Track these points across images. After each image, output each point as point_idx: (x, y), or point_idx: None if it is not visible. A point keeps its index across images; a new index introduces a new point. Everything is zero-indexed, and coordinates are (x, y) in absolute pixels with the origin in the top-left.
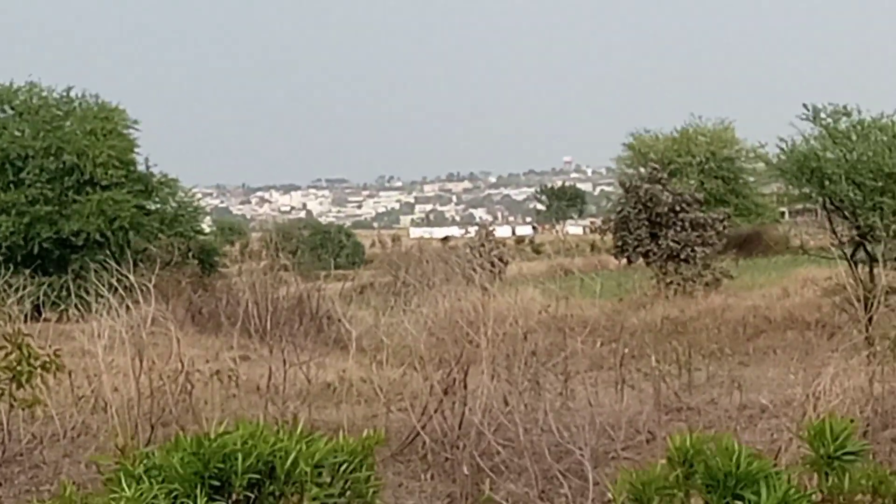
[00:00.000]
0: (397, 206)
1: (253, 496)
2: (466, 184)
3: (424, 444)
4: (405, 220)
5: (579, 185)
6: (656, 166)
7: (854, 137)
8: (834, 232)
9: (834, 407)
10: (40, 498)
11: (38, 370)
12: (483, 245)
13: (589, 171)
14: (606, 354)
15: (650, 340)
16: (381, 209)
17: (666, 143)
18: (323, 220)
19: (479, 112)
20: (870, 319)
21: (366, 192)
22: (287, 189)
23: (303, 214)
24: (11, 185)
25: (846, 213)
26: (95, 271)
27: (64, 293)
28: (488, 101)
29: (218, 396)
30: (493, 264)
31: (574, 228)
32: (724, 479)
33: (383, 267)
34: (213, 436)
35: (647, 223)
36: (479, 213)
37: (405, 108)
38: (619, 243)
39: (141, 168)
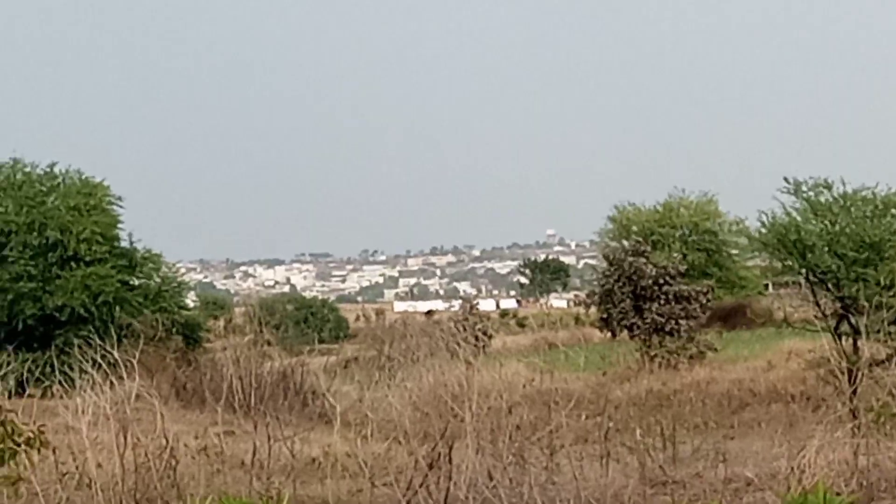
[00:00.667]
0: (381, 280)
1: None
2: (450, 257)
3: None
4: (389, 293)
5: (563, 258)
6: (640, 239)
7: (836, 210)
8: (817, 304)
9: (819, 480)
10: None
11: (23, 447)
12: (467, 319)
13: (572, 245)
14: (591, 428)
15: (635, 414)
16: (365, 283)
17: (649, 216)
18: (307, 294)
19: (462, 186)
20: (854, 392)
21: (349, 267)
22: (271, 263)
23: (286, 289)
24: None
25: (829, 285)
26: (79, 347)
27: (48, 369)
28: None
29: (203, 472)
30: (477, 338)
31: (558, 302)
32: None
33: (367, 341)
34: None
35: (631, 296)
36: (463, 287)
37: (388, 182)
38: (604, 316)
39: (124, 243)
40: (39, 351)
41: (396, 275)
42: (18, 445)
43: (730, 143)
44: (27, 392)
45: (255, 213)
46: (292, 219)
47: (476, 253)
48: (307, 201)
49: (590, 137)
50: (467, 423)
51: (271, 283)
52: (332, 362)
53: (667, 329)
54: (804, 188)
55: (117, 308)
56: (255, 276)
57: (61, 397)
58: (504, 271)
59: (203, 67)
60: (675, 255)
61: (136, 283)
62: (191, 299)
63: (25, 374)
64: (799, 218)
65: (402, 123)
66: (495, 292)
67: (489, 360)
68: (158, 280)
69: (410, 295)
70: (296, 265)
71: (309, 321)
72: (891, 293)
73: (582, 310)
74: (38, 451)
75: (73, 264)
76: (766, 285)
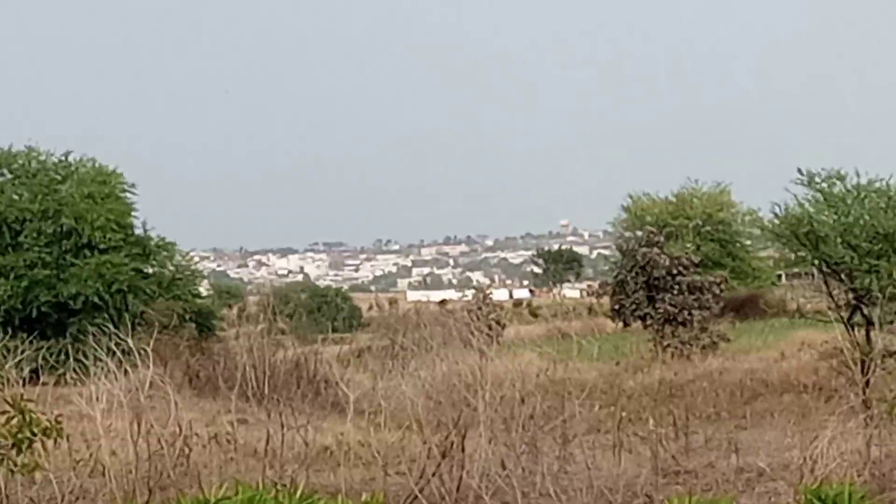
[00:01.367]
0: (394, 269)
1: None
2: (463, 247)
3: None
4: (402, 283)
5: (576, 249)
6: (653, 230)
7: (849, 201)
8: (830, 295)
9: (831, 470)
10: None
11: (39, 437)
12: (480, 308)
13: (586, 235)
14: (604, 418)
15: (647, 404)
16: (379, 272)
17: (662, 206)
18: (320, 283)
19: (475, 176)
20: (867, 383)
21: (363, 256)
22: (284, 252)
23: (300, 278)
24: (9, 249)
25: (842, 276)
26: (93, 335)
27: (62, 357)
28: (485, 165)
29: (216, 460)
30: (490, 328)
31: (571, 292)
32: None
33: (381, 330)
34: (212, 500)
35: (644, 286)
36: (477, 277)
37: (402, 172)
38: (617, 306)
39: (139, 231)
40: (54, 338)
41: (410, 264)
42: (35, 435)
43: (744, 133)
44: (41, 380)
45: (269, 203)
46: (306, 208)
47: (489, 243)
48: (321, 190)
49: (603, 128)
50: (480, 413)
51: (284, 272)
52: (345, 351)
53: (679, 319)
54: (817, 179)
55: (131, 296)
56: (268, 265)
57: (75, 385)
58: (517, 261)
59: (218, 55)
60: (689, 245)
61: (150, 271)
62: (204, 288)
63: (40, 361)
64: (812, 209)
65: (416, 112)
66: (508, 282)
67: (502, 350)
68: (172, 268)
69: (424, 284)
70: (309, 254)
71: (322, 310)
72: None
73: (595, 300)
74: (55, 440)
75: (87, 252)
76: (780, 276)
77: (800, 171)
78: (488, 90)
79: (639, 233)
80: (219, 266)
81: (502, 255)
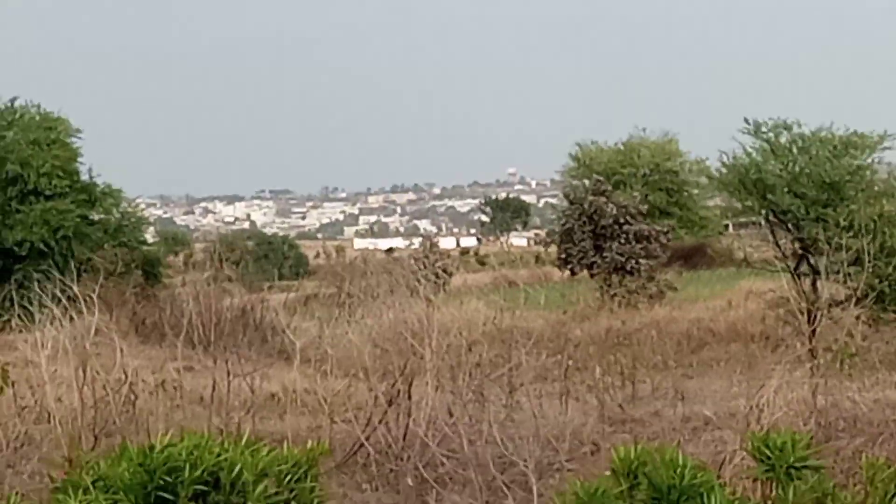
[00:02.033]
0: (342, 217)
1: None
2: (411, 195)
3: (369, 455)
4: (349, 231)
5: (524, 197)
6: (601, 178)
7: (795, 150)
8: (777, 244)
9: (777, 419)
10: None
11: None
12: (427, 256)
13: (533, 183)
14: (551, 366)
15: (594, 352)
16: (326, 220)
17: (610, 155)
18: (267, 230)
19: (422, 124)
20: (813, 332)
21: (310, 203)
22: (231, 200)
23: (247, 225)
24: None
25: (789, 225)
26: (39, 281)
27: (7, 303)
28: (432, 112)
29: (162, 407)
30: (437, 276)
31: (518, 240)
32: (668, 491)
33: (327, 278)
34: (158, 447)
35: (591, 235)
36: (424, 225)
37: (350, 118)
38: (564, 255)
39: (84, 178)
40: None
41: (357, 212)
42: None
43: (690, 82)
44: None
45: (216, 149)
46: (253, 155)
47: (437, 191)
48: (268, 138)
49: (551, 76)
50: (427, 361)
51: (231, 219)
52: (291, 299)
53: (627, 268)
54: (764, 129)
55: (77, 243)
56: (215, 213)
57: (20, 331)
58: (465, 209)
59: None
60: (636, 194)
61: (96, 217)
62: (150, 235)
63: None
64: (759, 158)
65: (364, 60)
66: (456, 230)
67: (449, 298)
68: (118, 215)
69: (371, 232)
70: (256, 201)
71: (269, 257)
72: (850, 234)
73: (542, 248)
74: (1, 389)
75: (32, 199)
76: (727, 225)
77: (746, 120)
78: (437, 36)
79: (586, 181)
80: (165, 213)
81: (450, 203)
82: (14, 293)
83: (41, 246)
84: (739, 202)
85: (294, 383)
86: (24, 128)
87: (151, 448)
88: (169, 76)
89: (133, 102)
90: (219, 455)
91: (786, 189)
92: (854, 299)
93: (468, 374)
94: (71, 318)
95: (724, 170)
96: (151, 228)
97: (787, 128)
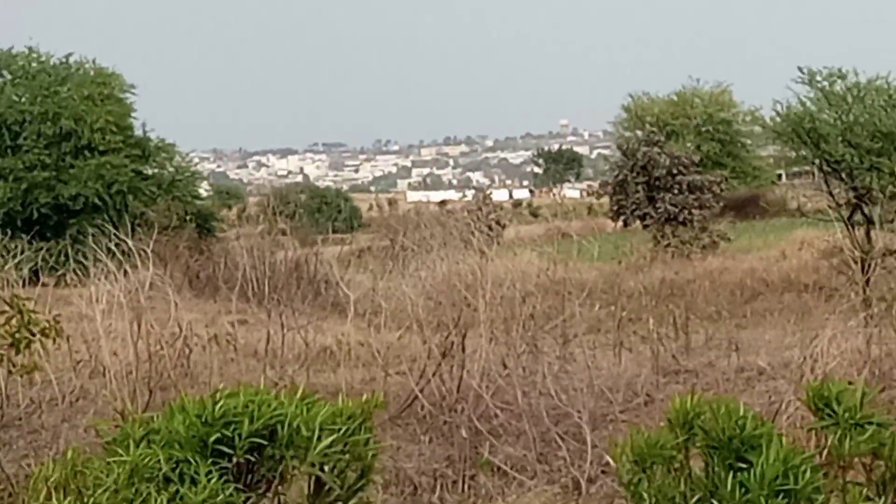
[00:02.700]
0: (394, 170)
1: (253, 459)
2: (463, 147)
3: (423, 407)
4: (402, 183)
5: (576, 149)
6: (654, 129)
7: (850, 99)
8: (831, 194)
9: (831, 369)
10: (39, 462)
11: (38, 336)
12: (480, 209)
13: (586, 135)
14: (604, 318)
15: (647, 303)
16: (378, 173)
17: (663, 106)
18: (320, 184)
19: (475, 76)
20: (867, 281)
21: (363, 156)
22: (284, 153)
23: (300, 179)
24: (9, 151)
25: (843, 175)
26: (93, 236)
27: (62, 258)
28: (485, 64)
29: (216, 361)
30: (490, 228)
31: (571, 192)
32: (728, 441)
33: (381, 231)
34: (213, 397)
35: (644, 186)
36: (477, 177)
37: (402, 71)
38: (616, 206)
39: (138, 133)
40: (53, 240)
41: (409, 165)
42: (34, 335)
43: (744, 32)
44: (41, 281)
45: (269, 103)
46: (306, 109)
47: (489, 143)
48: (321, 91)
49: (604, 27)
50: (480, 313)
51: (284, 172)
52: (345, 252)
53: (680, 219)
54: (818, 78)
55: (131, 197)
56: (268, 166)
57: (75, 286)
58: (517, 161)
59: None
60: (689, 145)
61: (150, 172)
62: (204, 189)
63: (40, 262)
64: (813, 107)
65: (417, 14)
66: (508, 182)
67: (502, 250)
68: (172, 170)
69: (423, 185)
70: (309, 155)
71: (322, 211)
72: None
73: (595, 200)
74: (54, 340)
75: (86, 154)
76: (780, 175)
77: (800, 69)
78: None
79: (639, 132)
80: (218, 167)
81: (502, 155)
82: (69, 248)
83: (95, 201)
84: (793, 152)
85: (348, 336)
86: (78, 83)
87: (209, 401)
88: (222, 31)
89: (186, 57)
90: (274, 409)
91: (840, 138)
92: None
93: (521, 325)
94: (125, 273)
95: (777, 119)
96: (205, 183)
97: (842, 77)
